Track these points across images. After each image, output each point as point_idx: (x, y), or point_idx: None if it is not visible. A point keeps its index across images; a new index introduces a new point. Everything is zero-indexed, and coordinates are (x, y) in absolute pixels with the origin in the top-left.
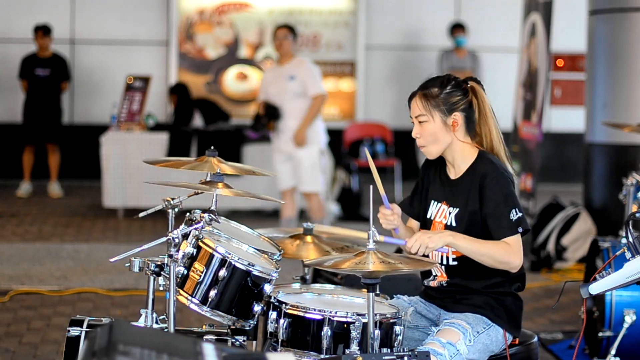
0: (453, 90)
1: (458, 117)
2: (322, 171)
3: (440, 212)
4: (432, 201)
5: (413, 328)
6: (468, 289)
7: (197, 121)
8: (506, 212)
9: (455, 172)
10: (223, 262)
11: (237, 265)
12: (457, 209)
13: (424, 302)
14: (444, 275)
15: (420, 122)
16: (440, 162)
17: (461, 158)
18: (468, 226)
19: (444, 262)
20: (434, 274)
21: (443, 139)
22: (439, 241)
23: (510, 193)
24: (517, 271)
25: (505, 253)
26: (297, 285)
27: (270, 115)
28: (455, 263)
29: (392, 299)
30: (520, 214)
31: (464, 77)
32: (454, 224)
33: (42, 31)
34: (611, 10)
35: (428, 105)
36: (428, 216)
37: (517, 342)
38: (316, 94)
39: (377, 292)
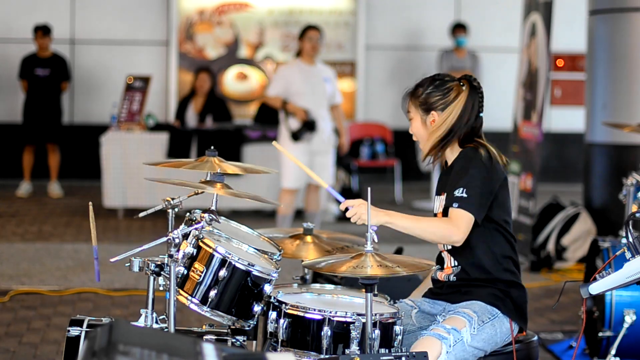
0: (433, 90)
1: (435, 116)
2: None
3: (439, 203)
4: (435, 196)
5: (416, 330)
6: (474, 280)
7: (208, 122)
8: (455, 184)
9: (448, 163)
10: (223, 262)
11: (237, 265)
12: (445, 194)
13: (428, 300)
14: (451, 266)
15: (409, 119)
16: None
17: (451, 151)
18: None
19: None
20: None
21: (424, 136)
22: (373, 219)
23: (471, 174)
24: (513, 265)
25: (445, 227)
26: (296, 285)
27: (308, 128)
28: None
29: (395, 303)
30: (464, 195)
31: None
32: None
33: (42, 31)
34: (611, 10)
35: (412, 104)
36: (434, 212)
37: (524, 333)
38: (340, 102)
39: (375, 292)
